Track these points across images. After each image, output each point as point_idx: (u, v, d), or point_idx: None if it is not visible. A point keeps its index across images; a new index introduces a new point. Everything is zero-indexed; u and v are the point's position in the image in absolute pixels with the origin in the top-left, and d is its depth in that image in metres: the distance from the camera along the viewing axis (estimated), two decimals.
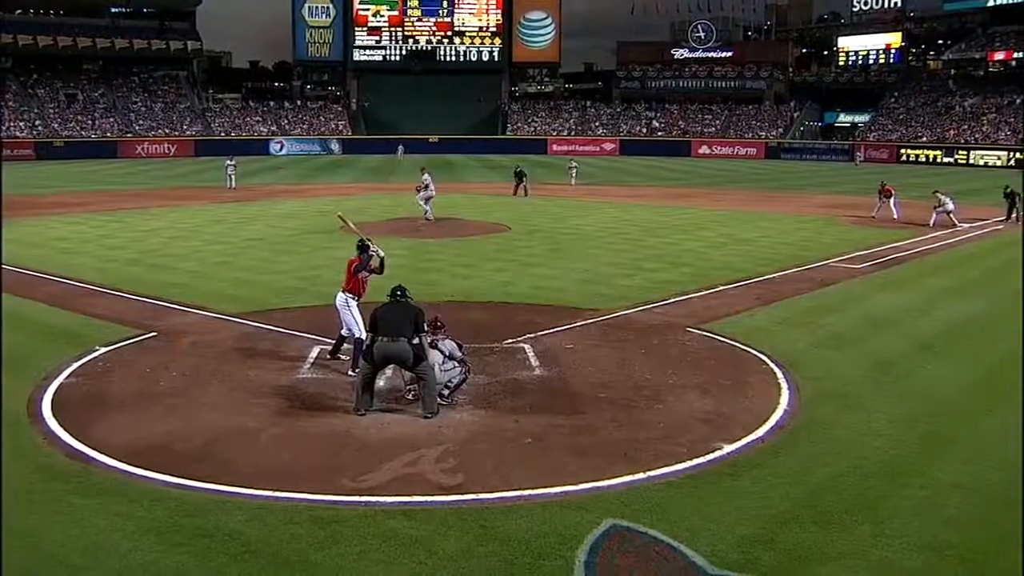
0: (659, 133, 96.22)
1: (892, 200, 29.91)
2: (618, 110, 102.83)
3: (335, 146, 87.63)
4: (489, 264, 19.25)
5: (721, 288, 16.58)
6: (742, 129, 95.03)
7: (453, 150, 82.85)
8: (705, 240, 23.49)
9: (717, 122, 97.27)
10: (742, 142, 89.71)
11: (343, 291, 11.18)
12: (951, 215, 27.52)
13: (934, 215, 27.51)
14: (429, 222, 26.76)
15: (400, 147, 75.04)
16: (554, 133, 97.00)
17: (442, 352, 9.76)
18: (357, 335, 10.75)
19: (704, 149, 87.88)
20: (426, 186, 27.44)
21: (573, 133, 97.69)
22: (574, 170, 45.33)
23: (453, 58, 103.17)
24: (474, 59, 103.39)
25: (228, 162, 41.54)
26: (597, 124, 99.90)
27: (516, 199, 36.17)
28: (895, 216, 28.91)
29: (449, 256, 20.12)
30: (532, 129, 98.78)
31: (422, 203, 27.40)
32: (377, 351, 9.33)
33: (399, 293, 9.64)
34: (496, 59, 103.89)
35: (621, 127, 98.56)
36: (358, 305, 11.09)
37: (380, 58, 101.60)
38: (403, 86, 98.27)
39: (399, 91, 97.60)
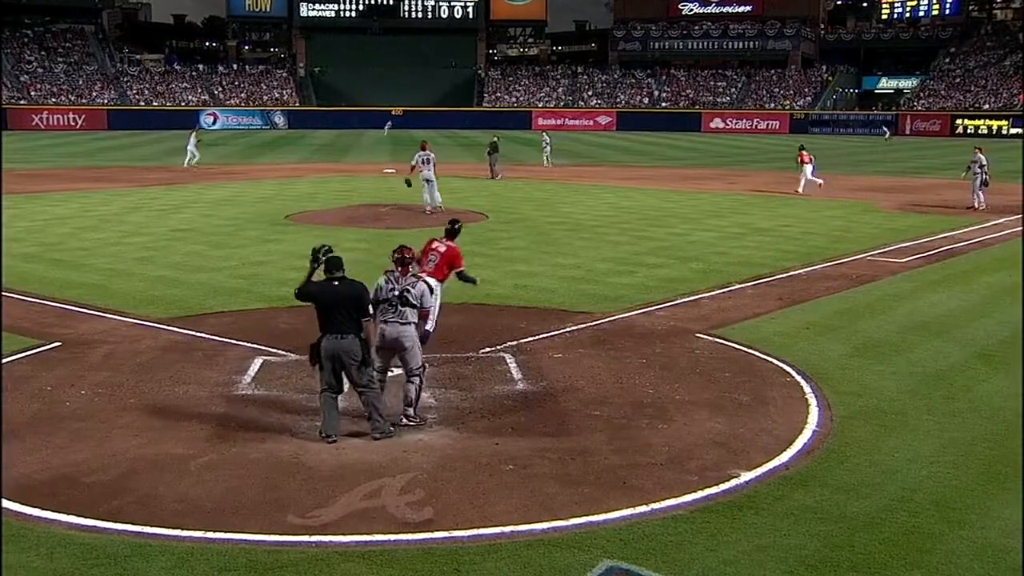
0: (663, 104, 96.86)
1: (809, 170, 32.65)
2: (615, 77, 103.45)
3: (279, 119, 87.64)
4: (463, 259, 19.23)
5: (737, 287, 16.67)
6: (763, 98, 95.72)
7: (419, 124, 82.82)
8: (718, 230, 23.61)
9: (732, 90, 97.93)
10: (762, 114, 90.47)
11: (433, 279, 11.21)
12: (977, 192, 28.06)
13: (979, 193, 27.93)
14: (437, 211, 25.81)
15: (389, 122, 75.19)
16: (539, 104, 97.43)
17: (412, 302, 9.56)
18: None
19: (717, 123, 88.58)
20: (414, 166, 26.52)
21: (562, 104, 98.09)
22: (547, 147, 45.00)
23: (420, 15, 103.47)
24: (444, 16, 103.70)
25: (193, 139, 42.77)
26: (590, 93, 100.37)
27: (495, 182, 36.20)
28: (800, 189, 31.91)
29: (417, 249, 20.10)
30: (513, 99, 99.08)
31: (424, 191, 26.46)
32: (324, 349, 9.21)
33: (333, 269, 9.27)
34: (471, 16, 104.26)
35: (618, 97, 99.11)
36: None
37: (332, 14, 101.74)
38: (360, 48, 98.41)
39: (356, 54, 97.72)
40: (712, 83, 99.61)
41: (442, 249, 11.56)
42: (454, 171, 39.92)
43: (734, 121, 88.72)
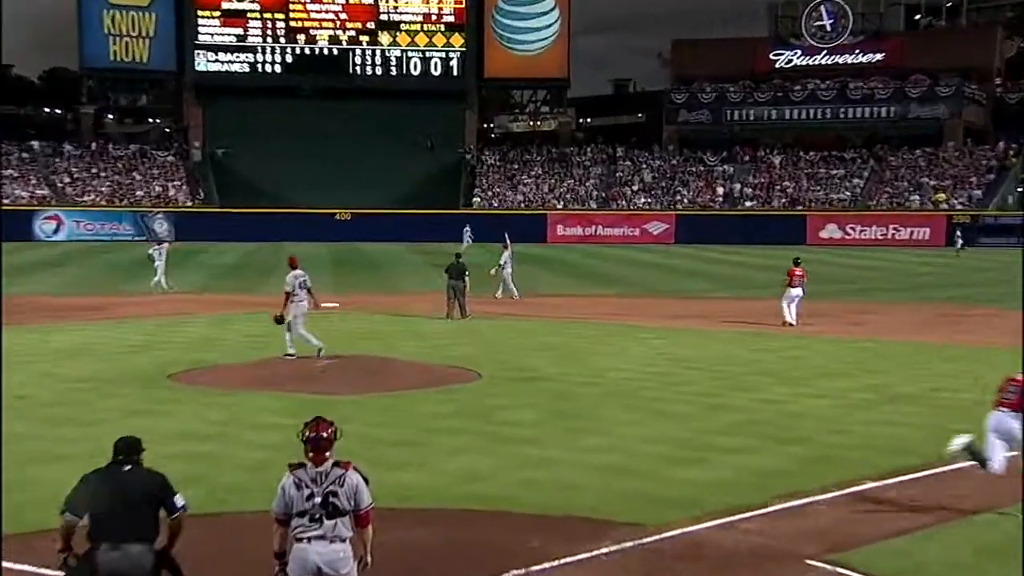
0: (747, 203, 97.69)
1: (792, 295, 36.19)
2: (673, 163, 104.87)
3: (161, 226, 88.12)
4: (442, 440, 19.28)
5: (870, 486, 16.56)
6: (902, 193, 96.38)
7: (377, 235, 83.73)
8: (836, 395, 23.75)
9: (856, 181, 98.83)
10: (903, 216, 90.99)
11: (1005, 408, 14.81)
12: None
13: None
14: (317, 358, 27.76)
15: (467, 230, 76.61)
16: (558, 204, 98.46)
17: (343, 508, 9.53)
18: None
19: (831, 230, 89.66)
20: (290, 292, 28.27)
21: (594, 203, 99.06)
22: (506, 266, 45.27)
23: (379, 71, 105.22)
24: (416, 73, 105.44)
25: (154, 249, 47.17)
26: (636, 188, 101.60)
27: (477, 322, 36.36)
28: (789, 318, 36.10)
29: (370, 426, 20.06)
30: (519, 198, 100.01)
31: (299, 329, 28.31)
32: (103, 565, 9.33)
33: (131, 452, 9.77)
34: (455, 73, 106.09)
35: (678, 193, 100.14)
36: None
37: (245, 69, 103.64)
38: (288, 121, 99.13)
39: (281, 130, 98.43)
40: (823, 171, 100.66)
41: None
42: (429, 305, 40.20)
43: (858, 228, 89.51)
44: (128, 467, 9.70)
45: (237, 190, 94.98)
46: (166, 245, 49.50)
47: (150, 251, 48.37)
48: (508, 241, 46.96)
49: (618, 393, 23.89)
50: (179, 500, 9.69)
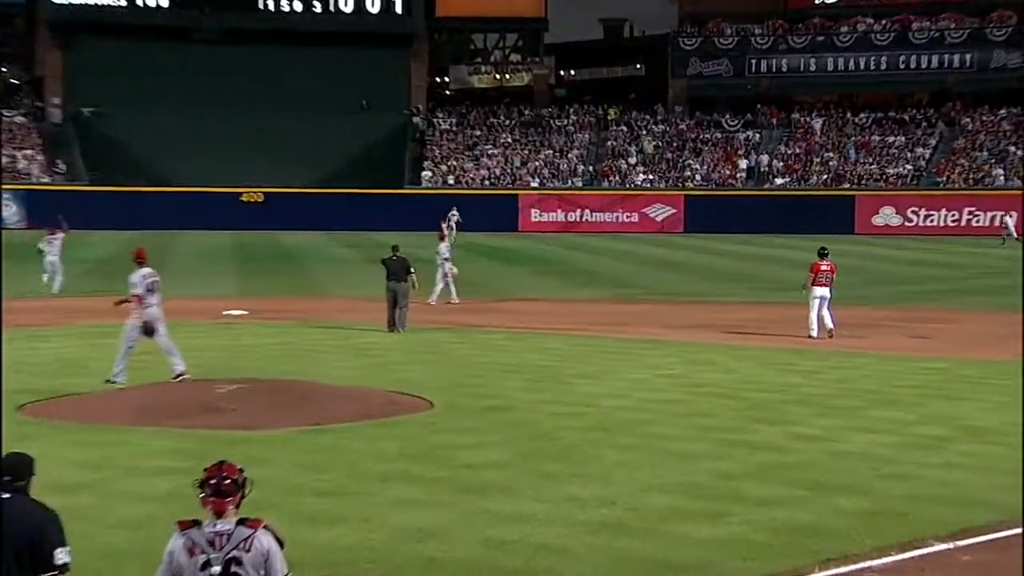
0: (777, 179, 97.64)
1: (822, 294, 36.33)
2: (682, 128, 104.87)
3: (9, 209, 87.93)
4: (385, 488, 19.28)
5: (937, 548, 16.60)
6: (980, 166, 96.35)
7: (296, 221, 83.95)
8: (893, 431, 23.75)
9: (919, 151, 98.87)
10: (981, 196, 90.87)
11: None
12: None
13: None
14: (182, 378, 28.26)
15: (453, 213, 76.42)
16: (533, 180, 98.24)
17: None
18: None
19: (886, 215, 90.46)
20: (140, 296, 28.47)
21: (579, 180, 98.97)
22: (446, 263, 45.86)
23: (299, 6, 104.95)
24: (348, 10, 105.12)
25: (46, 239, 48.24)
26: (634, 161, 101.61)
27: (420, 335, 36.46)
28: (813, 332, 36.47)
29: (290, 471, 20.09)
30: (483, 174, 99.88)
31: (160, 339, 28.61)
32: None
33: (8, 475, 9.47)
34: (399, 11, 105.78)
35: (688, 167, 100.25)
36: None
37: (120, 1, 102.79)
38: (179, 73, 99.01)
39: (170, 84, 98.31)
40: (877, 138, 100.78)
41: None
42: (363, 313, 40.21)
43: (923, 212, 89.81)
44: (8, 495, 9.39)
45: (110, 161, 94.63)
46: (61, 235, 49.41)
47: (40, 244, 48.96)
48: (446, 228, 46.99)
49: (612, 427, 23.87)
50: (60, 555, 9.30)
